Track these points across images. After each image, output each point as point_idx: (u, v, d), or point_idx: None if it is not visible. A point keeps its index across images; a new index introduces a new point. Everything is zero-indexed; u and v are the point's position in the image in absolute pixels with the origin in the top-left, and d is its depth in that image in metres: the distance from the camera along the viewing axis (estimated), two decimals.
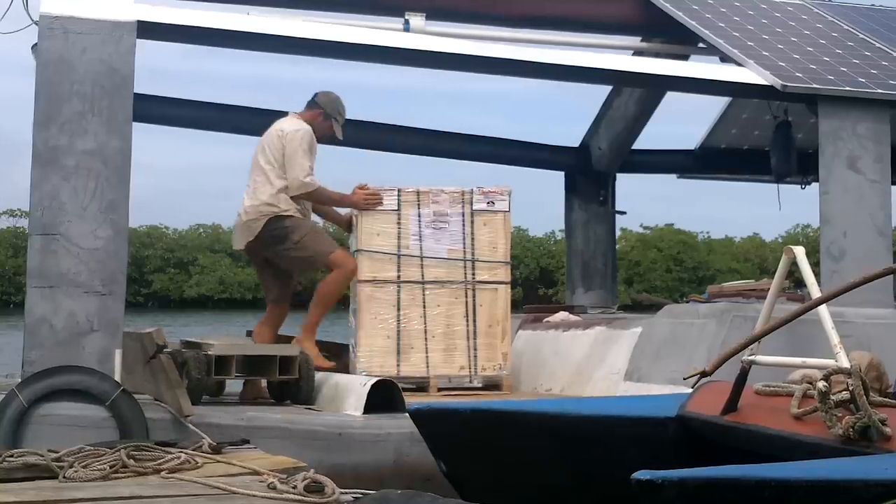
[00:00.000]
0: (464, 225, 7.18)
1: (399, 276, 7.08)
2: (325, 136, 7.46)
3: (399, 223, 7.10)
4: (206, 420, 5.75)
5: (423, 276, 7.11)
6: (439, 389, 6.99)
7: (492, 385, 7.16)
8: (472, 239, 7.18)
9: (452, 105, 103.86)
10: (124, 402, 5.76)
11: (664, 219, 56.85)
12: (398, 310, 7.05)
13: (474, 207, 7.21)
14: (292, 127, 7.24)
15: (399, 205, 7.13)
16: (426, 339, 7.05)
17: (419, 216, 7.14)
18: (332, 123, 7.45)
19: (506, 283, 7.25)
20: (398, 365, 6.99)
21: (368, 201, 7.08)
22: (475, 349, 7.10)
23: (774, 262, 4.87)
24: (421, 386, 6.99)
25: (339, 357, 7.35)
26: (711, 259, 48.55)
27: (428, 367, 7.03)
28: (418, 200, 7.16)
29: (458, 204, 7.20)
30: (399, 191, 7.15)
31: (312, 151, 7.23)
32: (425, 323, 7.06)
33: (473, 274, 7.17)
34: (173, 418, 5.79)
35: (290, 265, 7.43)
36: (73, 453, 4.41)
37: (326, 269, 7.31)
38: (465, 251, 7.17)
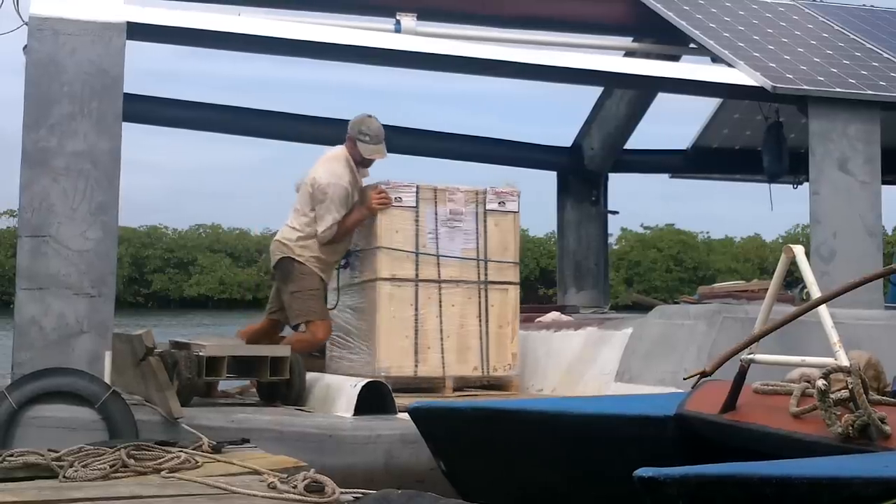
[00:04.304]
0: (477, 224, 7.13)
1: (417, 275, 7.00)
2: (361, 160, 7.25)
3: (417, 220, 7.03)
4: (196, 422, 5.70)
5: (439, 274, 7.04)
6: (454, 390, 6.89)
7: (502, 385, 7.10)
8: (485, 239, 7.13)
9: (444, 105, 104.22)
10: (114, 404, 5.72)
11: (664, 219, 56.87)
12: (416, 309, 6.97)
13: (487, 207, 7.17)
14: (326, 178, 7.07)
15: (417, 201, 7.07)
16: (442, 338, 6.97)
17: (436, 214, 7.07)
18: (357, 145, 7.21)
19: (515, 283, 7.21)
20: (416, 365, 6.90)
21: (381, 204, 6.99)
22: (487, 349, 7.05)
23: (774, 262, 4.85)
24: (436, 386, 6.90)
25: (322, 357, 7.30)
26: (711, 259, 48.62)
27: (443, 367, 6.95)
28: (435, 198, 7.09)
29: (472, 203, 7.15)
30: (417, 187, 7.07)
31: (347, 201, 7.07)
32: (441, 322, 6.99)
33: (486, 274, 7.13)
34: (163, 420, 5.75)
35: (285, 304, 7.36)
36: (74, 453, 4.39)
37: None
38: (478, 251, 7.12)
